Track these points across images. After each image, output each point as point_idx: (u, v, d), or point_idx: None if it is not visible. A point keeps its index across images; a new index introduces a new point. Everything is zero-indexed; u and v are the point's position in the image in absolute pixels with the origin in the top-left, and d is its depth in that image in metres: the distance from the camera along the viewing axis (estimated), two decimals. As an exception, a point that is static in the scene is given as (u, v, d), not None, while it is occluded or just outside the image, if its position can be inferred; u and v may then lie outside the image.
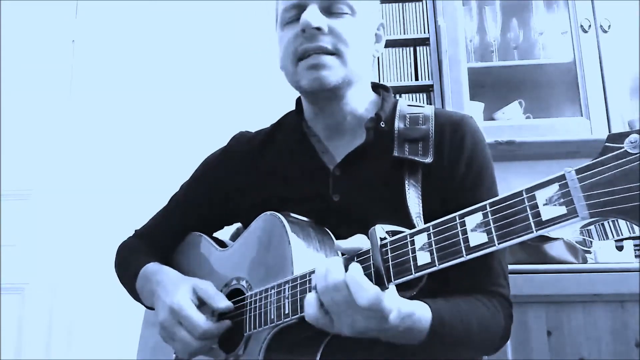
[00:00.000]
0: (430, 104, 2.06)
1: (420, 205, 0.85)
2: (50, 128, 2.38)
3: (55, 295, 2.25)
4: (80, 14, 2.51)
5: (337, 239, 0.84)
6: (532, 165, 2.10)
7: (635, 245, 1.58)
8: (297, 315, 0.73)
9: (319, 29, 0.86)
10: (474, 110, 2.00)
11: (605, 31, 1.94)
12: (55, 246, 2.27)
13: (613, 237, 1.61)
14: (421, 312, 0.71)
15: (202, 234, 1.05)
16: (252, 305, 0.81)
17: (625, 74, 1.92)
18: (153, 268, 0.99)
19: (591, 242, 1.68)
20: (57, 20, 2.48)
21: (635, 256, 1.57)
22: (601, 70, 1.91)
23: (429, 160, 0.87)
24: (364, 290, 0.63)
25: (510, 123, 2.00)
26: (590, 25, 1.95)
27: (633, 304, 1.46)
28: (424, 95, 2.09)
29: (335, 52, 0.87)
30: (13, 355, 2.19)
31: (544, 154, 2.03)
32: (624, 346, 1.45)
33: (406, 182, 0.86)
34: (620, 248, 1.56)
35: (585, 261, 1.60)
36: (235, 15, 2.44)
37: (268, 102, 2.22)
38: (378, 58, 2.12)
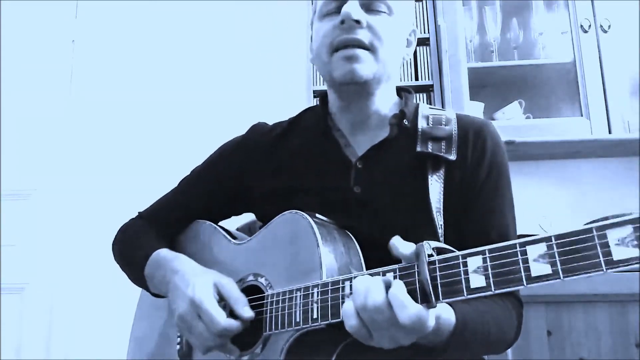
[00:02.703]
0: (431, 104, 2.06)
1: (442, 201, 0.87)
2: (50, 128, 2.37)
3: (55, 295, 2.25)
4: (80, 14, 2.51)
5: (356, 231, 0.85)
6: (532, 165, 2.10)
7: (635, 245, 1.58)
8: (327, 322, 0.71)
9: (358, 21, 0.89)
10: (474, 110, 2.00)
11: (605, 31, 1.94)
12: (55, 246, 2.27)
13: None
14: (446, 314, 0.72)
15: (212, 223, 1.03)
16: (274, 306, 0.80)
17: (625, 74, 1.92)
18: (167, 255, 0.96)
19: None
20: (57, 20, 2.48)
21: (635, 256, 1.57)
22: (601, 70, 1.91)
23: (452, 157, 0.89)
24: (407, 308, 0.62)
25: (510, 123, 2.00)
26: (590, 25, 1.95)
27: (633, 304, 1.46)
28: (424, 95, 2.09)
29: (369, 48, 0.89)
30: (13, 355, 2.19)
31: (544, 154, 2.04)
32: (624, 346, 1.45)
33: (429, 177, 0.88)
34: (620, 248, 1.56)
35: (585, 261, 1.60)
36: (235, 14, 2.43)
37: (268, 101, 2.22)
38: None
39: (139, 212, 1.12)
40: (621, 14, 1.96)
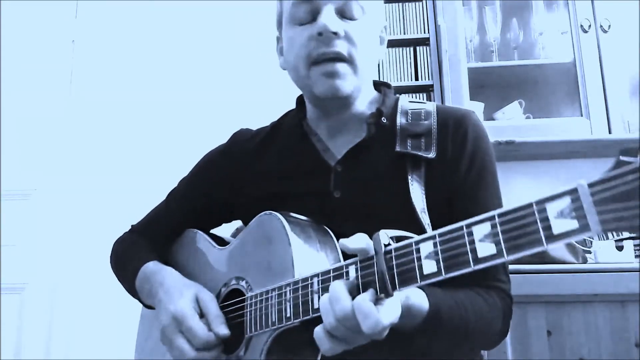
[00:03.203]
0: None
1: (425, 200, 0.85)
2: (50, 128, 2.38)
3: (55, 295, 2.25)
4: (80, 14, 2.51)
5: (339, 235, 0.83)
6: (532, 165, 2.10)
7: (635, 245, 1.59)
8: (300, 319, 0.72)
9: (336, 33, 0.86)
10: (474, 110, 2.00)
11: (605, 31, 1.94)
12: (55, 246, 2.27)
13: (613, 237, 1.61)
14: (417, 299, 0.71)
15: (200, 231, 1.04)
16: (253, 307, 0.81)
17: (625, 74, 1.92)
18: (154, 268, 0.98)
19: (591, 242, 1.69)
20: (57, 20, 2.48)
21: (635, 256, 1.57)
22: (601, 70, 1.91)
23: (432, 155, 0.87)
24: (368, 318, 0.61)
25: (510, 123, 2.00)
26: (590, 25, 1.95)
27: (633, 304, 1.46)
28: (424, 95, 2.09)
29: (348, 59, 0.87)
30: (13, 355, 2.19)
31: (544, 154, 2.04)
32: (624, 346, 1.45)
33: (409, 177, 0.86)
34: (620, 248, 1.56)
35: (585, 261, 1.60)
36: (234, 14, 2.44)
37: (268, 101, 2.22)
38: (378, 58, 2.12)
39: (131, 226, 1.13)
40: (621, 14, 1.96)
